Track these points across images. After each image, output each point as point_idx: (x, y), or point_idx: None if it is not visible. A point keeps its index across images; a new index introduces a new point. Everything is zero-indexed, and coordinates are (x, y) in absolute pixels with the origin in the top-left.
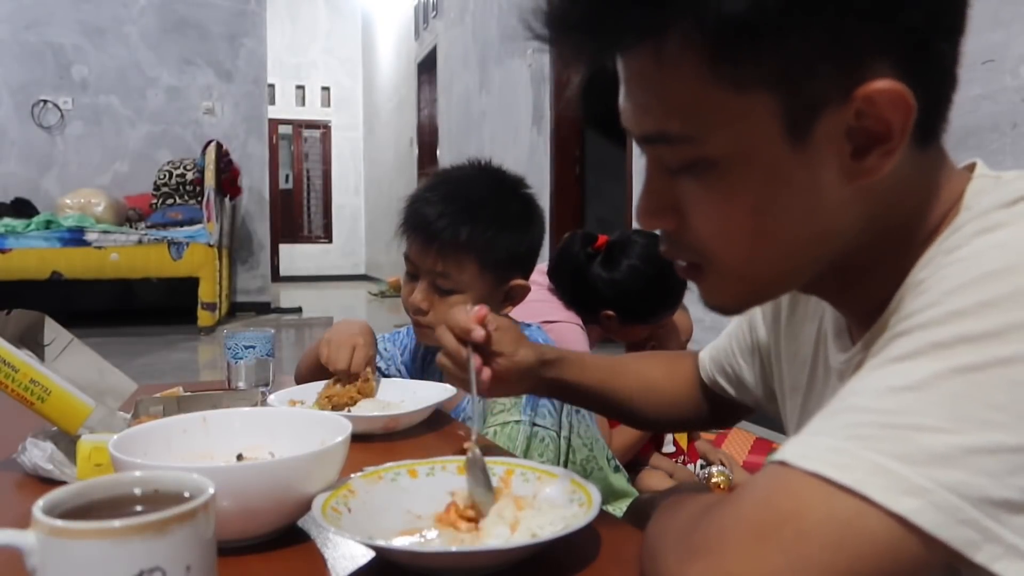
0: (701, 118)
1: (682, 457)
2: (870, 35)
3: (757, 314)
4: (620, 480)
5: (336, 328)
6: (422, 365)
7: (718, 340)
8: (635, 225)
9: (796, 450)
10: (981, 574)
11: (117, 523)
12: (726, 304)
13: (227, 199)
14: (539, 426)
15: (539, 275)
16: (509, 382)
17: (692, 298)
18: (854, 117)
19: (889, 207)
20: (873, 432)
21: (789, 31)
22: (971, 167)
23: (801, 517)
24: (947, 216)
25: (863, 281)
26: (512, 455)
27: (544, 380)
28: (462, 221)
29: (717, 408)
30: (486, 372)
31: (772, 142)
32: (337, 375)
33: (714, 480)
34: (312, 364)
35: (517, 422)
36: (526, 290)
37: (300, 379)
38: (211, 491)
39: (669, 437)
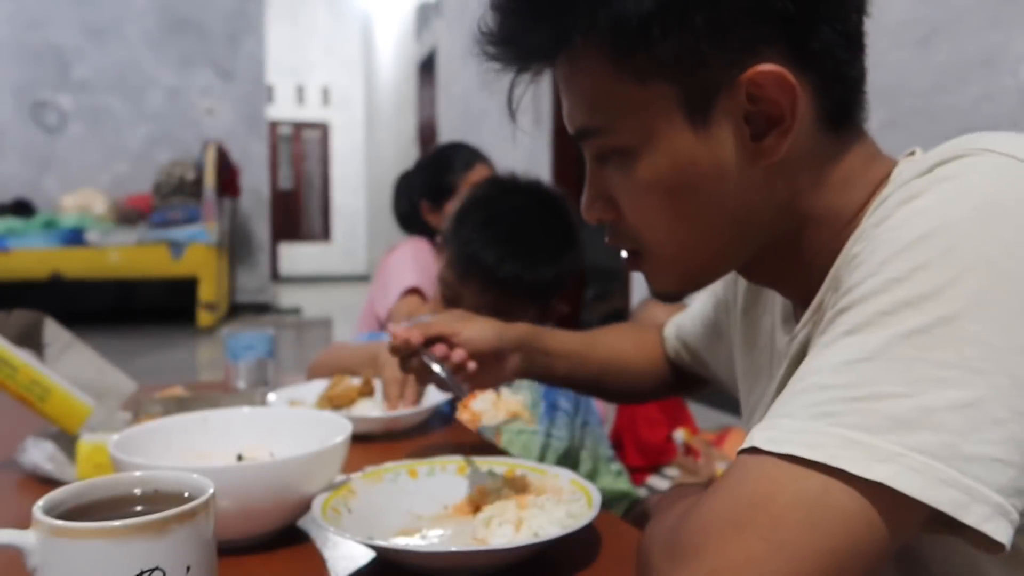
0: (612, 111)
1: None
2: (749, 24)
3: (721, 297)
4: (620, 483)
5: (383, 353)
6: None
7: (682, 316)
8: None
9: (764, 435)
10: (955, 546)
11: (117, 523)
12: (668, 289)
13: (227, 199)
14: (554, 437)
15: None
16: (481, 371)
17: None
18: (749, 101)
19: (804, 188)
20: (836, 408)
21: (674, 26)
22: (911, 154)
23: (772, 502)
24: (875, 193)
25: (799, 262)
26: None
27: (516, 358)
28: (523, 266)
29: (680, 379)
30: (458, 354)
31: (676, 128)
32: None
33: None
34: (337, 371)
35: (533, 432)
36: (563, 310)
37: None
38: (211, 491)
39: (679, 439)
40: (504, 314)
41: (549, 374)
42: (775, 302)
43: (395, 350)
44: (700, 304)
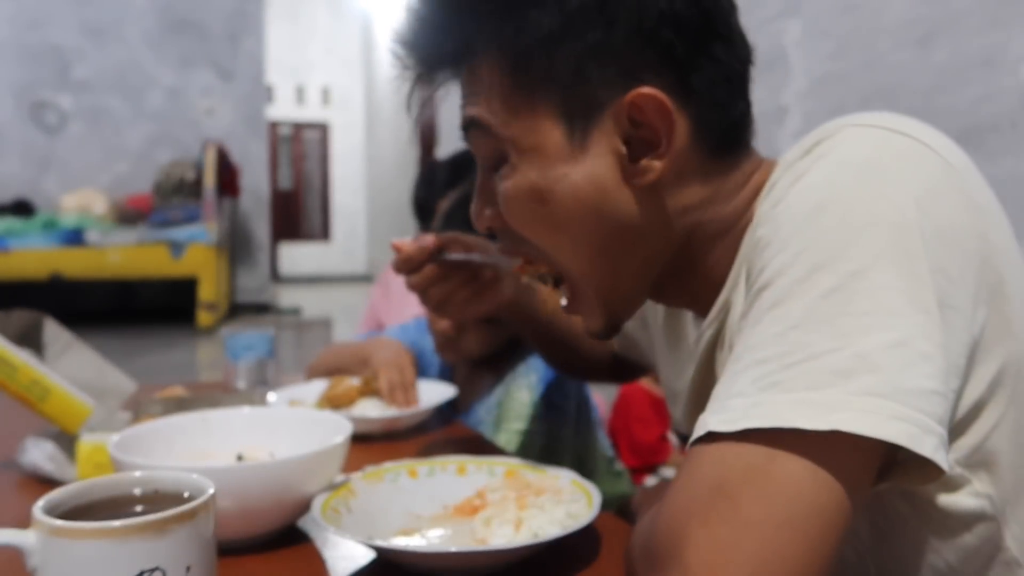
0: (501, 111)
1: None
2: (637, 49)
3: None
4: (621, 484)
5: (380, 353)
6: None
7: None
8: None
9: (716, 418)
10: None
11: (117, 523)
12: (576, 312)
13: (227, 199)
14: (554, 437)
15: None
16: (481, 293)
17: None
18: (631, 124)
19: (690, 206)
20: (779, 376)
21: (569, 44)
22: None
23: (726, 484)
24: (761, 190)
25: (697, 274)
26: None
27: (511, 285)
28: None
29: (621, 364)
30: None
31: (554, 140)
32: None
33: None
34: (333, 372)
35: (533, 431)
36: None
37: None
38: (211, 491)
39: (675, 438)
40: (494, 320)
41: (531, 319)
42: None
43: (405, 262)
44: None
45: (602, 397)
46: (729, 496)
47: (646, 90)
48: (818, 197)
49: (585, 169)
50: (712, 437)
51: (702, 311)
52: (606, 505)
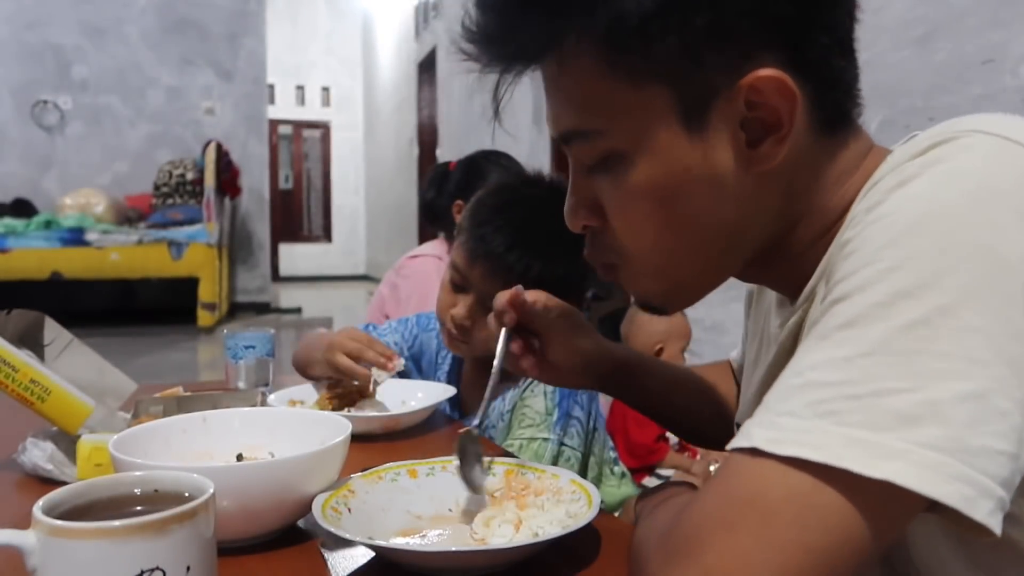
0: (603, 113)
1: (687, 453)
2: (748, 29)
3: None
4: (625, 487)
5: (339, 336)
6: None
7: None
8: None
9: (765, 435)
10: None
11: (117, 523)
12: (651, 300)
13: (227, 199)
14: (567, 446)
15: None
16: (563, 372)
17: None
18: (746, 107)
19: (799, 191)
20: (839, 406)
21: (674, 27)
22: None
23: (763, 499)
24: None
25: (788, 258)
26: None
27: (606, 378)
28: (534, 256)
29: None
30: (517, 347)
31: (671, 132)
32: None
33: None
34: (303, 361)
35: (545, 439)
36: None
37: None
38: (211, 491)
39: (674, 437)
40: None
41: (631, 399)
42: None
43: (496, 314)
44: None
45: (601, 398)
46: (765, 512)
47: (767, 72)
48: (919, 211)
49: (707, 160)
50: (756, 451)
51: (780, 288)
52: (612, 508)
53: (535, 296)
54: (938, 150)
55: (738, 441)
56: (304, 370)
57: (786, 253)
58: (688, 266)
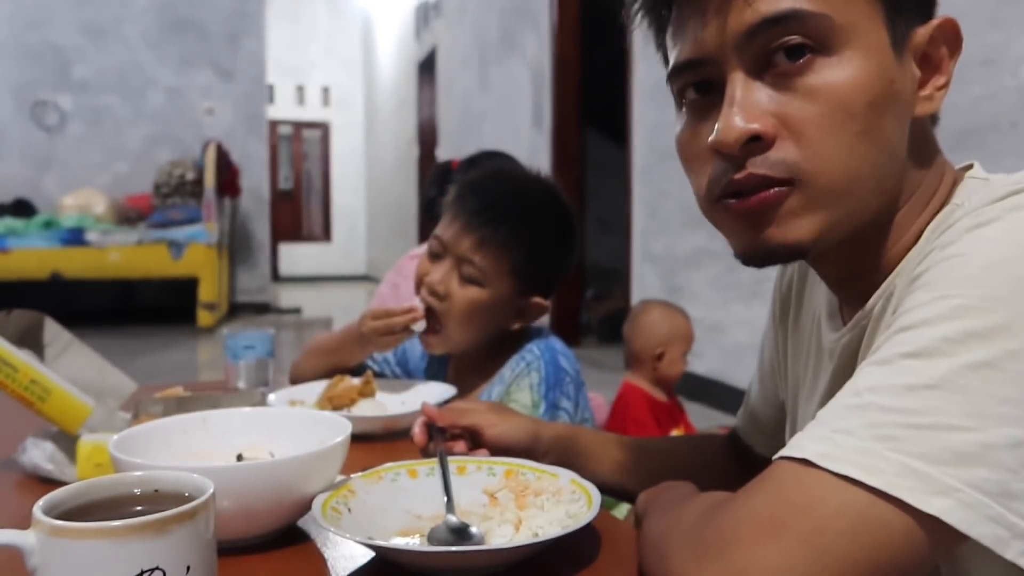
0: (832, 4)
1: None
2: None
3: (765, 338)
4: None
5: (362, 324)
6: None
7: (743, 407)
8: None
9: (819, 449)
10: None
11: (117, 523)
12: (801, 237)
13: (227, 199)
14: None
15: None
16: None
17: (695, 301)
18: (928, 42)
19: (910, 165)
20: (897, 432)
21: None
22: (967, 167)
23: (816, 508)
24: (939, 209)
25: (865, 251)
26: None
27: (549, 459)
28: (511, 220)
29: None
30: (460, 446)
31: (883, 42)
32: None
33: None
34: (321, 352)
35: None
36: (543, 310)
37: (300, 374)
38: (211, 491)
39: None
40: (473, 265)
41: (589, 478)
42: (815, 300)
43: (423, 425)
44: (752, 380)
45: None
46: (816, 520)
47: (951, 18)
48: (998, 254)
49: (902, 78)
50: (808, 463)
51: (845, 292)
52: (607, 509)
53: (436, 414)
54: (1018, 197)
55: (788, 451)
56: (336, 367)
57: (869, 246)
58: (861, 192)
